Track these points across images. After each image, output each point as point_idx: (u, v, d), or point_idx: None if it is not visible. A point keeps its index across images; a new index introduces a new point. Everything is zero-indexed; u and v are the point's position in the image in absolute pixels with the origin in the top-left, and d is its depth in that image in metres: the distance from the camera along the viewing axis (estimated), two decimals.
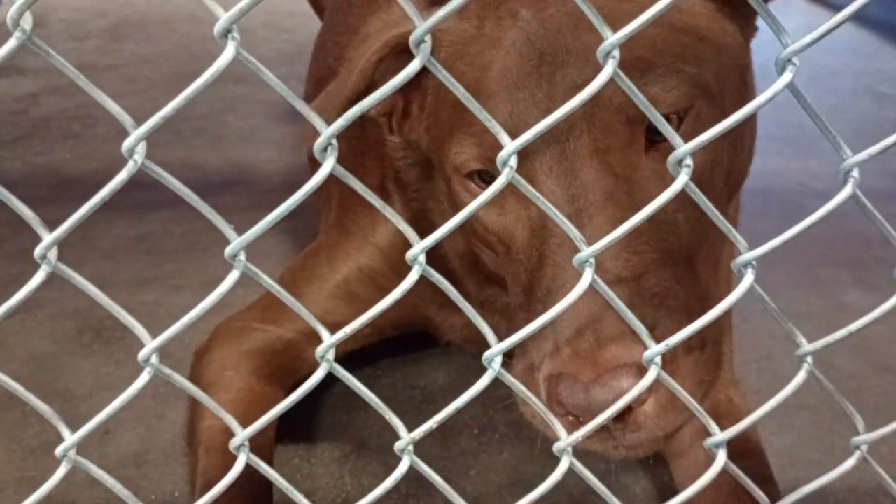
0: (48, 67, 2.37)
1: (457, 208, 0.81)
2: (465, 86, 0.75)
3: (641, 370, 0.60)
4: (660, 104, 0.69)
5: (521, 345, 0.65)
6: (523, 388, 0.58)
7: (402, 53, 0.83)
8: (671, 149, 0.71)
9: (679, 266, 0.71)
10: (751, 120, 0.85)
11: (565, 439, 0.59)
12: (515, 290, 0.77)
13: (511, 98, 0.72)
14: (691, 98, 0.71)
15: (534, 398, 0.59)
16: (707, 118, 0.71)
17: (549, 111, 0.66)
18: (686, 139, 0.70)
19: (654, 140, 0.71)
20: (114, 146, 1.91)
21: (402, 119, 0.88)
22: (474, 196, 0.77)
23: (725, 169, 0.78)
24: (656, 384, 0.58)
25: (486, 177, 0.76)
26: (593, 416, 0.59)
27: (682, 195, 0.65)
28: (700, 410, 0.59)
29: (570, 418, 0.64)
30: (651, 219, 0.68)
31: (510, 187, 0.74)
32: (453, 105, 0.77)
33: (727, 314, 0.77)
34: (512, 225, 0.76)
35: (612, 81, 0.68)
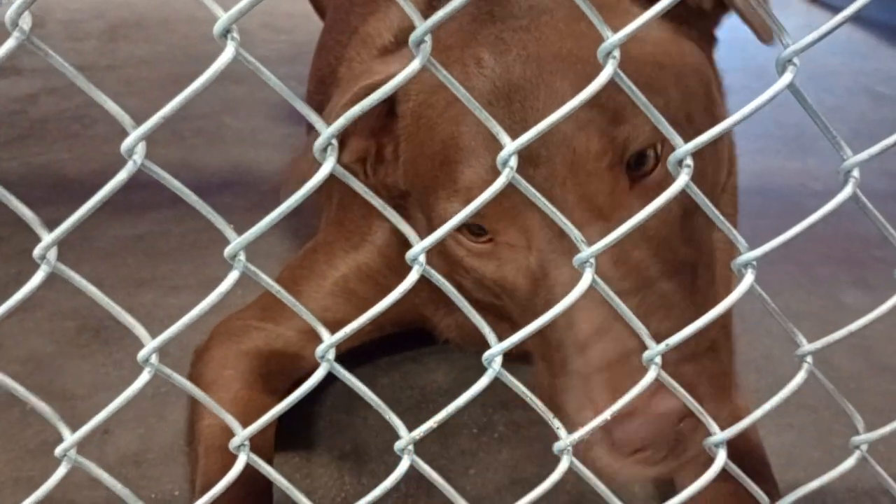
0: (46, 68, 2.36)
1: (447, 258, 0.81)
2: (441, 140, 0.77)
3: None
4: (634, 142, 0.70)
5: (561, 412, 0.68)
6: (524, 388, 0.58)
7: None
8: (655, 180, 0.72)
9: (681, 276, 0.72)
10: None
11: (565, 439, 0.59)
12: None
13: (489, 149, 0.72)
14: (659, 132, 0.72)
15: (535, 399, 0.59)
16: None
17: (526, 154, 0.67)
18: (669, 171, 0.71)
19: (636, 175, 0.72)
20: (112, 147, 1.90)
21: (377, 164, 0.88)
22: (467, 250, 0.78)
23: (710, 176, 0.79)
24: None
25: (475, 229, 0.75)
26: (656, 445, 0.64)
27: (681, 202, 0.65)
28: (700, 409, 0.59)
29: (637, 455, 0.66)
30: (647, 232, 0.69)
31: (504, 241, 0.74)
32: (432, 158, 0.77)
33: (728, 315, 0.77)
34: (512, 276, 0.75)
35: (584, 131, 0.68)
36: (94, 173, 1.77)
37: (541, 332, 0.65)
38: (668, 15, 0.75)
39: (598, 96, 0.66)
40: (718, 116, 0.80)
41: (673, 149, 0.71)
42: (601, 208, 0.70)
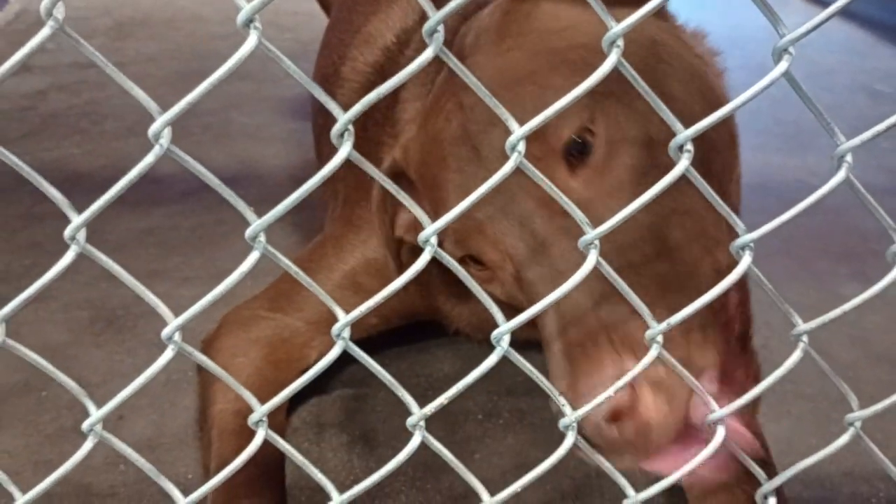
0: (56, 65, 2.39)
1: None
2: (431, 180, 0.84)
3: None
4: (561, 130, 0.72)
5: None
6: (530, 367, 0.60)
7: (395, 177, 0.89)
8: (598, 160, 0.74)
9: (681, 253, 0.72)
10: (712, 98, 0.84)
11: (569, 415, 0.61)
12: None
13: (466, 176, 0.78)
14: (587, 109, 0.72)
15: (542, 377, 0.61)
16: (620, 115, 0.73)
17: (486, 177, 0.72)
18: (610, 145, 0.73)
19: (577, 159, 0.73)
20: (121, 142, 1.93)
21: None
22: (479, 280, 0.79)
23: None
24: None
25: (476, 260, 0.79)
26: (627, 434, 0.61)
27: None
28: (698, 386, 0.62)
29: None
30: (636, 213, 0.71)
31: (490, 261, 0.78)
32: (436, 203, 0.83)
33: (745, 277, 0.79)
34: (511, 289, 0.78)
35: (505, 135, 0.71)
36: (103, 168, 1.80)
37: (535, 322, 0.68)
38: None
39: (520, 97, 0.74)
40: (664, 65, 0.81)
41: (609, 120, 0.74)
42: (544, 199, 0.71)
